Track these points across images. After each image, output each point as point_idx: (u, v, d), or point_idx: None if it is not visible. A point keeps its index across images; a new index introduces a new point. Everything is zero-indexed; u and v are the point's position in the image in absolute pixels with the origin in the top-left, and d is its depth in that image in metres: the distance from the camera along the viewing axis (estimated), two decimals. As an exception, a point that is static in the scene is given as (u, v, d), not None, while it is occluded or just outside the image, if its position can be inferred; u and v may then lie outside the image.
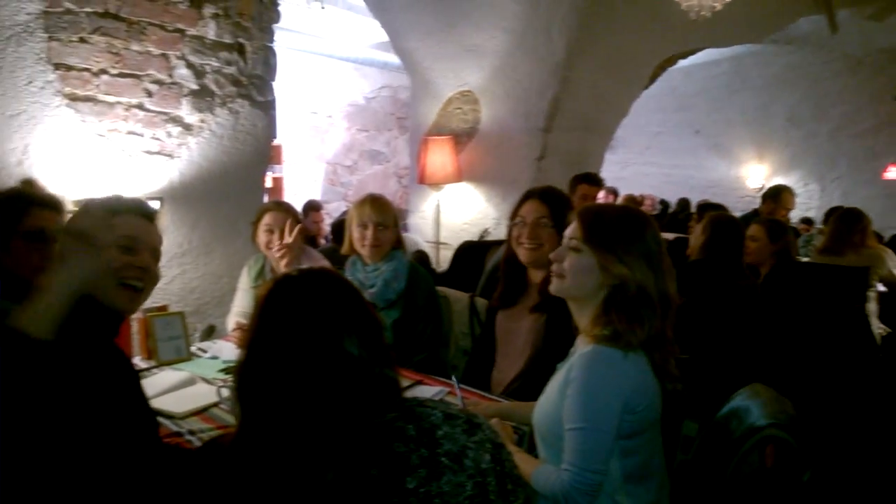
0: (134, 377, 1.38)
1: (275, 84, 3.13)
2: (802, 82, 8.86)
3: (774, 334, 3.04)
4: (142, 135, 2.67)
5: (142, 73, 2.64)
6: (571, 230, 1.63)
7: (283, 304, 1.07)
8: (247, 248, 3.09)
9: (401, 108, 8.64)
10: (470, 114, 5.09)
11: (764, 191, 5.00)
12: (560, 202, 2.27)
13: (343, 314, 1.06)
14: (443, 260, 4.90)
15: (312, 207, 5.72)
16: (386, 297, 2.47)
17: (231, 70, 2.90)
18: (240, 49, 2.92)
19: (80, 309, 1.25)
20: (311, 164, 8.13)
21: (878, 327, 3.90)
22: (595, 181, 4.25)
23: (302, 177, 7.99)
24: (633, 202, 6.09)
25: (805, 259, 4.42)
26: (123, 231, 1.44)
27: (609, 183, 7.80)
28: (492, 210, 5.04)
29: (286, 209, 2.67)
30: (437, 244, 5.16)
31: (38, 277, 1.75)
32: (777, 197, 4.64)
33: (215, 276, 2.97)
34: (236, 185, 3.01)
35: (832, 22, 4.79)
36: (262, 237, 2.64)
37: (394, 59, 6.46)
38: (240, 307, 2.78)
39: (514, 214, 2.30)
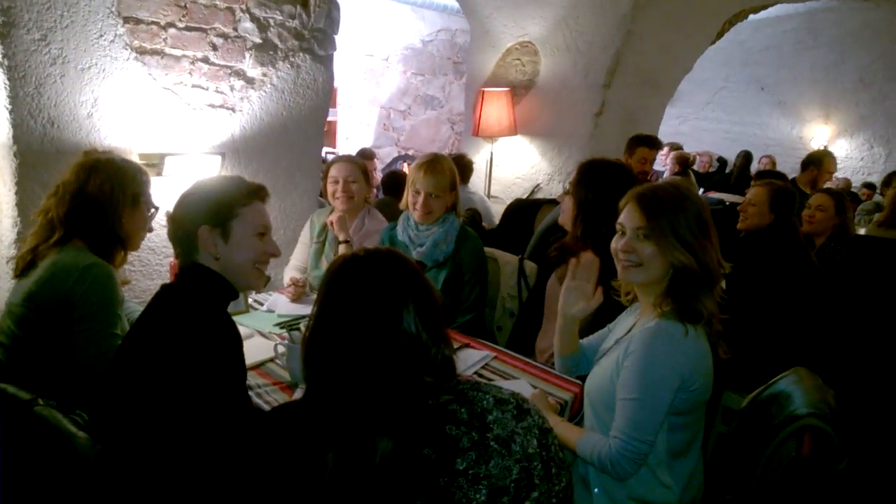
0: (240, 341, 1.49)
1: (339, 27, 3.14)
2: (878, 41, 8.35)
3: (826, 309, 3.00)
4: (206, 88, 2.73)
5: (208, 26, 2.68)
6: (633, 218, 1.63)
7: (346, 282, 1.12)
8: (304, 200, 3.18)
9: (458, 52, 8.50)
10: (529, 66, 5.01)
11: (805, 157, 4.86)
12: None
13: (403, 294, 1.10)
14: (495, 214, 4.91)
15: (365, 156, 5.78)
16: (434, 258, 2.52)
17: (294, 24, 2.92)
18: (303, 2, 2.92)
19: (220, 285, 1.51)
20: (365, 108, 8.13)
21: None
22: (654, 144, 4.19)
23: (355, 120, 8.01)
24: (684, 161, 5.91)
25: (862, 231, 4.29)
26: (260, 220, 1.56)
27: (666, 138, 7.60)
28: (545, 165, 5.00)
29: (350, 160, 2.74)
30: (488, 197, 5.17)
31: (134, 239, 1.92)
32: (819, 162, 4.55)
33: (272, 229, 3.07)
34: (295, 139, 3.06)
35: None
36: (329, 189, 2.73)
37: (452, 2, 6.36)
38: (297, 260, 2.88)
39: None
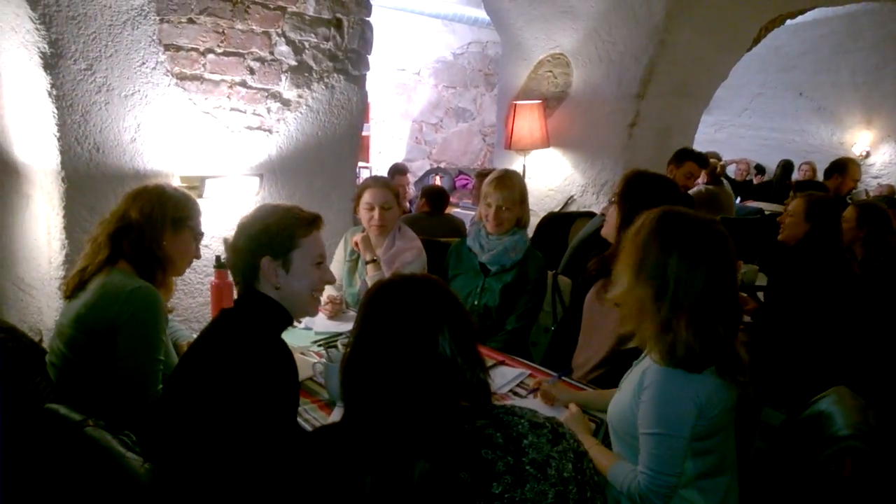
0: (295, 369, 1.54)
1: (372, 47, 3.19)
2: (922, 42, 8.14)
3: (869, 323, 2.92)
4: (244, 111, 2.80)
5: (245, 51, 2.75)
6: None
7: (383, 306, 1.15)
8: (339, 219, 3.23)
9: (489, 64, 8.54)
10: (561, 77, 5.01)
11: (829, 164, 4.76)
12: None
13: (439, 319, 1.13)
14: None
15: (398, 171, 5.84)
16: (501, 263, 2.66)
17: (328, 45, 2.98)
18: (337, 24, 2.99)
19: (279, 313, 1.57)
20: (397, 122, 8.21)
21: None
22: (704, 162, 4.19)
23: (388, 135, 8.10)
24: (712, 169, 5.82)
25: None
26: (318, 249, 1.64)
27: (702, 145, 7.48)
28: (578, 177, 4.99)
29: (384, 184, 2.77)
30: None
31: (177, 263, 1.98)
32: (844, 169, 4.47)
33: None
34: (330, 158, 3.12)
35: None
36: (363, 214, 2.78)
37: (483, 14, 6.38)
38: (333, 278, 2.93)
39: None
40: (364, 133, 7.14)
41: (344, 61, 3.04)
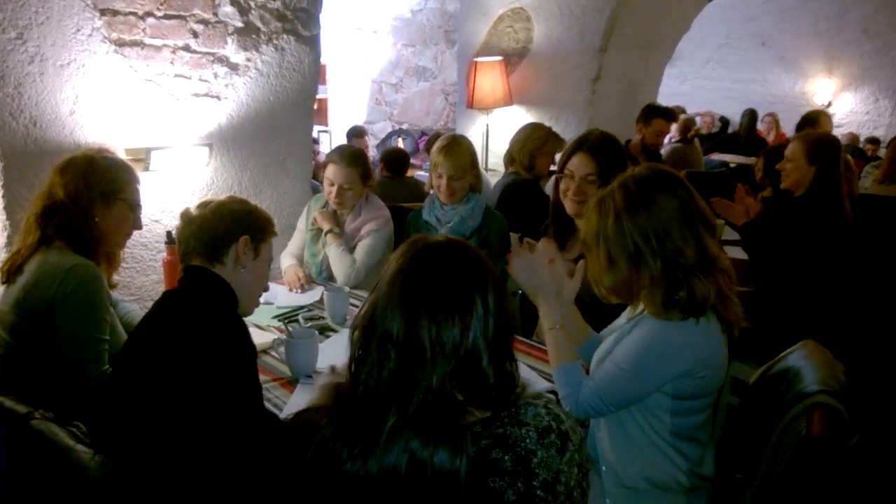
0: (255, 351, 1.51)
1: (322, 6, 3.06)
2: (883, -11, 8.17)
3: (853, 275, 2.88)
4: (189, 77, 2.66)
5: (187, 13, 2.60)
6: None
7: (422, 269, 1.02)
8: (296, 187, 3.13)
9: (448, 20, 8.33)
10: (522, 33, 4.89)
11: (801, 118, 4.77)
12: (611, 157, 2.19)
13: (470, 302, 1.01)
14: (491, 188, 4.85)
15: (356, 134, 5.71)
16: (461, 233, 2.60)
17: (276, 5, 2.83)
18: (284, -18, 2.84)
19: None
20: (356, 83, 8.01)
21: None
22: (671, 116, 4.19)
23: (346, 96, 7.90)
24: (686, 129, 5.84)
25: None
26: (272, 253, 1.73)
27: (667, 99, 7.46)
28: (543, 135, 4.91)
29: (350, 162, 2.63)
30: (485, 171, 5.10)
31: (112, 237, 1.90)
32: (815, 123, 4.49)
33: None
34: (283, 124, 3.00)
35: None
36: (325, 186, 2.70)
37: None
38: (294, 247, 2.84)
39: (563, 165, 2.24)
40: (321, 95, 6.97)
41: (293, 21, 2.90)
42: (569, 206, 2.22)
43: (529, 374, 1.94)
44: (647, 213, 1.50)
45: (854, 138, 7.69)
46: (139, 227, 2.01)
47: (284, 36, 2.89)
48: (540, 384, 1.88)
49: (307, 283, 2.65)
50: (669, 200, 1.51)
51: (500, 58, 4.87)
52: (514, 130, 4.99)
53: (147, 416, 1.39)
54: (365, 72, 8.06)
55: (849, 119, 8.76)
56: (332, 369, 1.17)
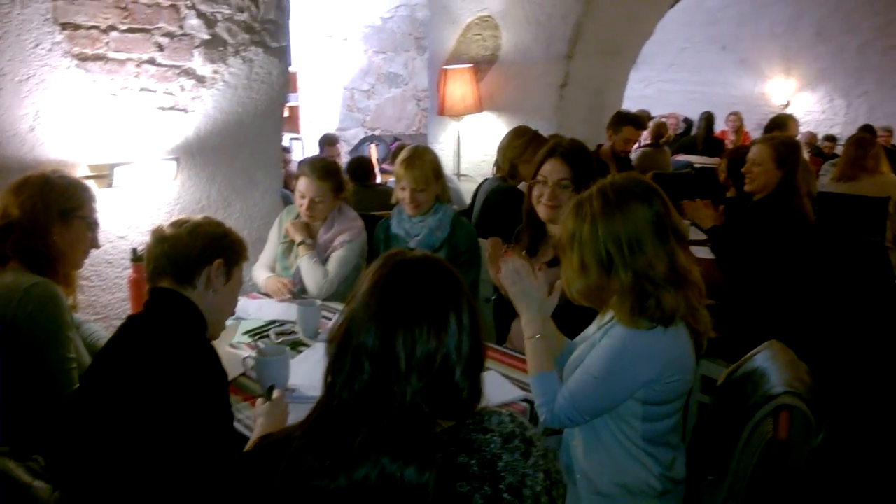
0: (224, 376, 1.48)
1: (290, 15, 3.05)
2: (834, -6, 8.43)
3: (814, 275, 2.94)
4: (155, 91, 2.62)
5: (152, 26, 2.57)
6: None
7: (398, 284, 1.03)
8: (266, 199, 3.10)
9: (419, 27, 8.36)
10: (490, 40, 4.93)
11: (767, 122, 4.90)
12: (583, 162, 2.23)
13: (445, 317, 1.02)
14: (465, 193, 4.86)
15: (328, 142, 5.69)
16: (430, 245, 2.59)
17: (243, 17, 2.81)
18: (251, -6, 2.82)
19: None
20: (328, 91, 7.99)
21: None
22: (641, 124, 4.23)
23: (318, 104, 7.87)
24: (658, 134, 5.93)
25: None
26: (242, 279, 1.72)
27: (632, 102, 7.56)
28: (513, 141, 4.94)
29: (321, 175, 2.61)
30: (458, 176, 5.11)
31: (71, 256, 1.86)
32: (784, 126, 4.59)
33: (235, 230, 2.99)
34: (252, 136, 2.97)
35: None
36: (296, 198, 2.68)
37: (409, -22, 6.22)
38: (266, 259, 2.82)
39: (536, 172, 2.27)
40: (293, 103, 6.94)
41: (261, 33, 2.88)
42: (542, 211, 2.24)
43: (503, 383, 1.94)
44: (622, 221, 1.52)
45: (812, 137, 7.86)
46: (97, 246, 1.98)
47: (252, 48, 2.87)
48: (514, 393, 1.88)
49: (293, 288, 2.63)
50: (645, 211, 1.53)
51: (469, 65, 4.90)
52: (484, 136, 5.05)
53: (110, 447, 1.34)
54: (337, 79, 8.04)
55: (807, 118, 8.98)
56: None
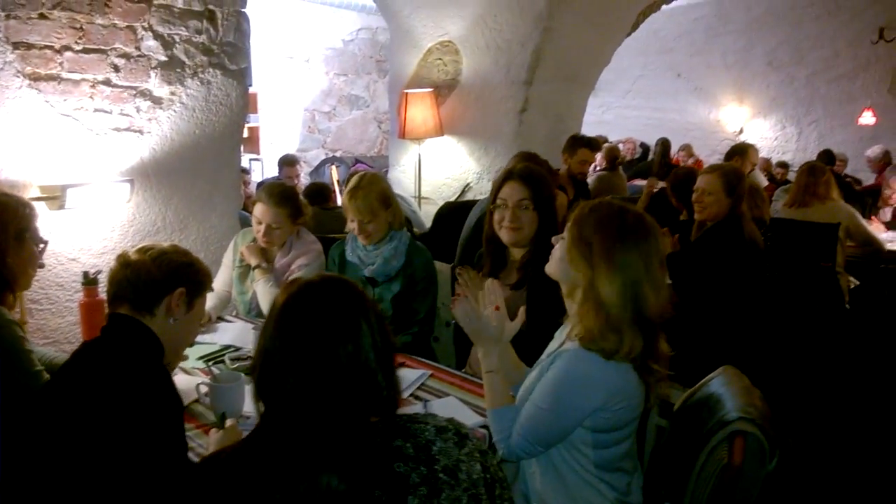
0: (180, 407, 1.46)
1: (250, 37, 3.04)
2: (783, 26, 8.77)
3: (764, 301, 3.02)
4: (110, 112, 2.58)
5: (107, 47, 2.53)
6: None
7: (303, 310, 1.07)
8: (223, 222, 3.06)
9: (380, 50, 8.41)
10: (451, 65, 4.97)
11: (729, 148, 5.07)
12: (540, 183, 2.25)
13: (361, 324, 1.07)
14: (424, 216, 4.88)
15: (286, 163, 5.64)
16: (385, 274, 2.54)
17: (201, 39, 2.79)
18: (210, 16, 2.80)
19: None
20: (289, 112, 7.95)
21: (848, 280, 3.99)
22: (595, 146, 4.29)
23: (279, 125, 7.83)
24: (613, 157, 6.06)
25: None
26: (203, 308, 1.71)
27: (591, 127, 7.70)
28: (474, 164, 4.99)
29: (278, 202, 2.56)
30: (418, 199, 5.13)
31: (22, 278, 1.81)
32: (744, 153, 4.73)
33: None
34: (210, 158, 2.94)
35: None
36: (253, 223, 2.62)
37: (371, 1, 6.26)
38: (220, 283, 2.76)
39: (495, 196, 2.28)
40: (253, 124, 6.87)
41: (220, 55, 2.87)
42: (504, 235, 2.24)
43: (461, 409, 1.93)
44: (647, 251, 1.51)
45: (767, 164, 8.11)
46: (42, 265, 1.95)
47: (210, 70, 2.86)
48: (472, 419, 1.87)
49: (209, 323, 2.55)
50: (648, 247, 1.52)
51: (430, 89, 4.93)
52: (445, 160, 5.08)
53: (62, 475, 1.30)
54: (297, 100, 8.01)
55: (759, 145, 9.26)
56: None
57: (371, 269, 2.54)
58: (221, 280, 2.76)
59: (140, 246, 1.57)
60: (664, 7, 5.85)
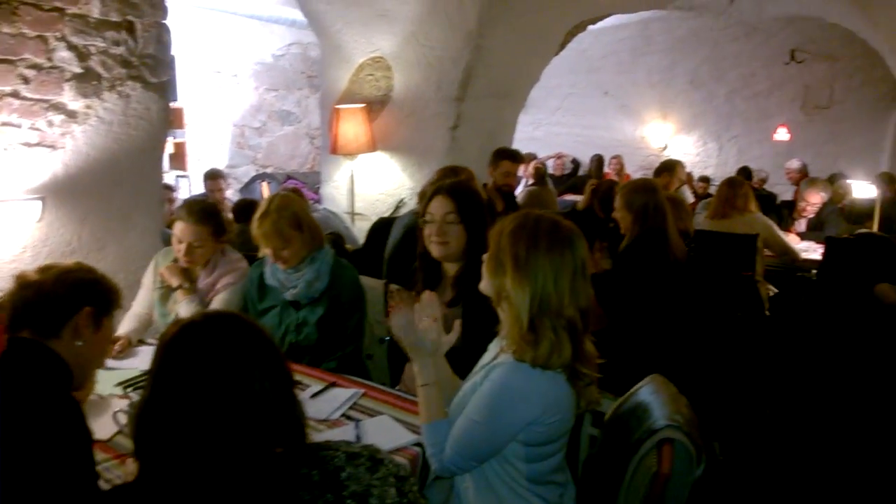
0: (88, 436, 1.37)
1: (173, 50, 2.95)
2: (703, 46, 9.20)
3: (683, 311, 3.12)
4: (19, 126, 2.45)
5: (16, 57, 2.40)
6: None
7: (187, 352, 1.03)
8: (144, 240, 2.94)
9: (311, 66, 8.33)
10: (382, 81, 4.96)
11: (658, 164, 5.22)
12: (468, 197, 2.24)
13: (252, 359, 1.04)
14: (358, 232, 4.83)
15: (209, 177, 5.47)
16: (309, 297, 2.43)
17: (119, 50, 2.68)
18: (129, 27, 2.70)
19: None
20: (217, 127, 7.76)
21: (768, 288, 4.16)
22: (517, 157, 4.34)
23: (207, 141, 7.62)
24: (540, 174, 6.19)
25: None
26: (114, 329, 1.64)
27: (522, 143, 7.81)
28: (407, 180, 4.98)
29: (198, 220, 2.45)
30: (352, 215, 5.07)
31: None
32: (672, 170, 4.88)
33: (109, 273, 2.77)
34: (129, 175, 2.82)
35: (731, -10, 4.94)
36: (173, 242, 2.51)
37: (302, 16, 6.19)
38: (140, 306, 2.64)
39: (424, 211, 2.27)
40: (179, 140, 6.66)
41: (139, 67, 2.76)
42: (434, 249, 2.22)
43: (394, 427, 1.90)
44: (560, 257, 1.51)
45: (689, 178, 8.43)
46: None
47: (129, 82, 2.75)
48: (405, 437, 1.84)
49: (129, 347, 2.44)
50: (570, 254, 1.53)
51: (362, 105, 4.90)
52: (379, 175, 5.05)
53: None
54: (226, 115, 7.83)
55: (683, 160, 9.64)
56: None
57: (293, 292, 2.42)
58: (142, 302, 2.64)
59: (41, 265, 1.50)
60: (591, 27, 6.03)
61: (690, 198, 6.06)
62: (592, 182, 4.21)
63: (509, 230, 1.55)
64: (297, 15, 7.23)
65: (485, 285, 1.61)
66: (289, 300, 2.45)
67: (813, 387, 3.67)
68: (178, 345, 1.04)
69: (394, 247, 3.38)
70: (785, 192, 7.54)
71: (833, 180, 5.87)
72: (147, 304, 2.62)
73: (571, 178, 8.84)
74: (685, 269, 3.08)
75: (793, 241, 4.73)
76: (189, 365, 1.02)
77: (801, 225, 5.20)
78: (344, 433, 1.85)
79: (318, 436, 1.82)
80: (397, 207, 5.04)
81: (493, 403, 1.52)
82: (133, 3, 2.68)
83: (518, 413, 1.51)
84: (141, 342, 2.53)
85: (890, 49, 4.34)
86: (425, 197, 2.32)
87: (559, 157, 9.42)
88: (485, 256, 1.62)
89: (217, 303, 2.51)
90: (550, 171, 8.99)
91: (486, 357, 1.76)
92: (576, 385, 1.55)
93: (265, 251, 2.40)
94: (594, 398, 1.62)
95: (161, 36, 2.83)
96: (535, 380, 1.50)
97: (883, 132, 8.35)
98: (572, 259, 1.53)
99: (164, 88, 2.90)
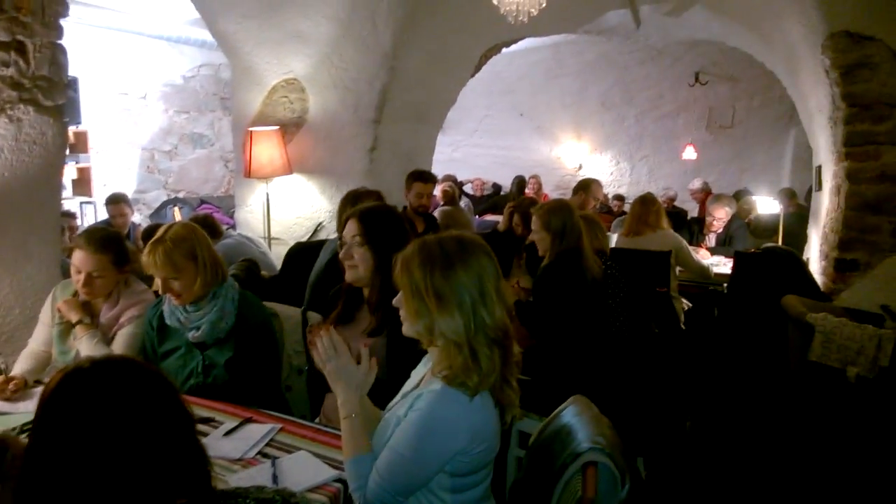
0: None
1: (76, 71, 2.78)
2: (613, 69, 9.57)
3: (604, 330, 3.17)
4: None
5: None
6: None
7: (71, 405, 0.95)
8: (41, 272, 2.75)
9: (223, 87, 8.13)
10: (297, 103, 4.88)
11: (576, 183, 5.35)
12: (376, 219, 2.19)
13: (139, 413, 0.97)
14: (275, 257, 4.69)
15: (111, 201, 5.18)
16: (214, 337, 2.28)
17: (9, 72, 2.51)
18: (19, 48, 2.53)
19: None
20: (124, 151, 7.43)
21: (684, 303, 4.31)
22: (427, 178, 4.33)
23: (113, 165, 7.28)
24: (449, 196, 6.24)
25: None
26: None
27: (441, 165, 7.88)
28: (326, 203, 4.89)
29: (98, 248, 2.29)
30: (268, 240, 4.93)
31: None
32: (588, 188, 5.00)
33: (4, 308, 2.61)
34: (24, 204, 2.63)
35: (636, 16, 5.15)
36: (73, 275, 2.33)
37: (211, 37, 6.04)
38: (37, 343, 2.45)
39: (340, 236, 2.22)
40: (83, 164, 6.33)
41: (32, 90, 2.59)
42: (346, 274, 2.18)
43: (314, 463, 1.82)
44: (479, 267, 1.50)
45: (604, 197, 8.70)
46: None
47: (21, 106, 2.57)
48: (326, 473, 1.77)
49: (24, 388, 2.25)
50: (487, 262, 1.53)
51: (276, 127, 4.80)
52: (295, 199, 4.94)
53: None
54: (134, 138, 7.50)
55: (599, 179, 9.99)
56: None
57: (195, 334, 2.25)
58: (39, 339, 2.46)
59: None
60: (505, 50, 6.14)
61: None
62: (510, 205, 4.26)
63: (417, 263, 1.52)
64: (207, 36, 7.04)
65: (409, 329, 1.57)
66: (192, 342, 2.31)
67: (728, 396, 3.81)
68: (60, 396, 0.96)
69: (318, 273, 3.30)
70: (693, 210, 7.89)
71: (738, 196, 6.17)
72: (45, 341, 2.43)
73: (492, 199, 8.96)
74: (602, 287, 3.15)
75: (704, 256, 4.91)
76: (71, 418, 0.94)
77: (711, 240, 5.42)
78: (259, 473, 1.76)
79: (232, 477, 1.73)
80: (315, 231, 4.94)
81: (421, 434, 1.48)
82: (23, 23, 2.52)
83: (447, 443, 1.48)
84: (38, 382, 2.35)
85: (785, 71, 4.60)
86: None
87: (476, 181, 9.57)
88: (398, 301, 1.58)
89: (121, 338, 2.36)
90: (470, 192, 9.09)
91: (409, 384, 1.72)
92: (502, 397, 1.53)
93: (156, 282, 2.25)
94: (516, 408, 1.58)
95: (55, 57, 2.66)
96: (465, 407, 1.48)
97: (782, 150, 8.89)
98: (489, 262, 1.53)
99: (61, 111, 2.73)
